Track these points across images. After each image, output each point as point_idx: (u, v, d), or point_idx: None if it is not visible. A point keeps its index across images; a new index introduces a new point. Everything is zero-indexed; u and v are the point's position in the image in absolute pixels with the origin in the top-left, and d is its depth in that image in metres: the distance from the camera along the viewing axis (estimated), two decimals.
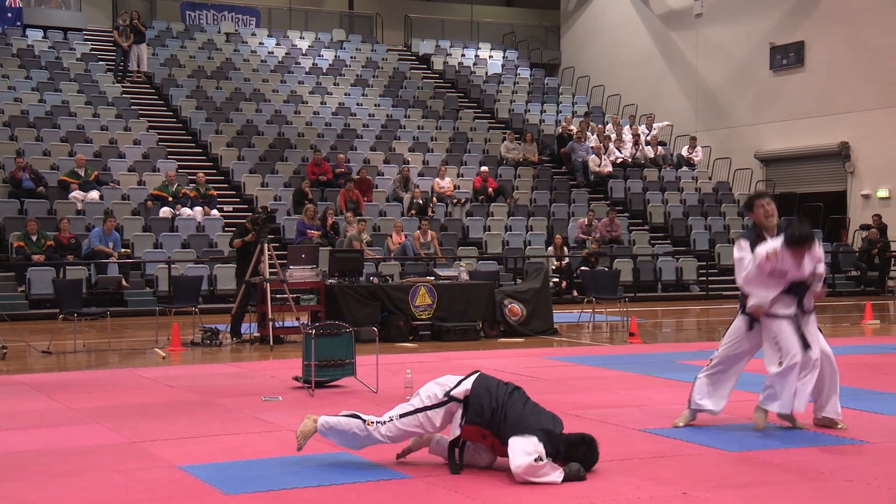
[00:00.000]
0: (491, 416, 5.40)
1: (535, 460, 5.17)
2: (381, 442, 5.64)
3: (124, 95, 24.63)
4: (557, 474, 5.23)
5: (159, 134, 23.28)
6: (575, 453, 5.36)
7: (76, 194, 19.55)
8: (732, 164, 27.33)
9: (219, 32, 29.31)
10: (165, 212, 19.71)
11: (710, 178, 26.86)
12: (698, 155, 27.15)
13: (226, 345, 12.72)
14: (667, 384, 8.90)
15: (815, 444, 6.35)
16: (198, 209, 20.06)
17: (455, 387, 5.54)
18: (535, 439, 5.24)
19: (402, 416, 5.60)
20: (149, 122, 23.73)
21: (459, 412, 5.49)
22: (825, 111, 25.77)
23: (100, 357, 11.88)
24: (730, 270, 22.64)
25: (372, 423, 5.63)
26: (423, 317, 13.25)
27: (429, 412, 5.56)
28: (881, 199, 24.96)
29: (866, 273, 22.59)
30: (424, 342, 12.92)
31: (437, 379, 5.73)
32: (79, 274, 16.52)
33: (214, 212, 20.35)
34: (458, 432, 5.48)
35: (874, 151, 24.97)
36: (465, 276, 14.31)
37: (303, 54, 29.26)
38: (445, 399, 5.53)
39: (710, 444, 6.31)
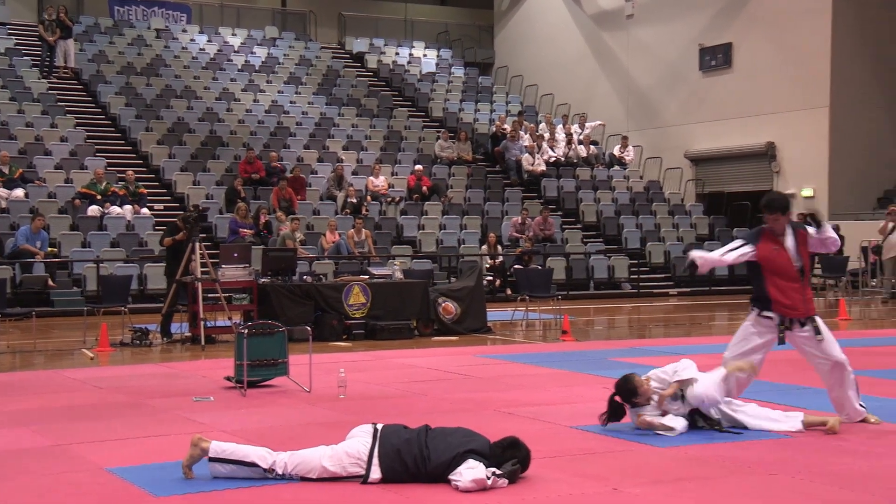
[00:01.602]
0: (415, 476, 5.27)
1: (487, 477, 5.14)
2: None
3: (50, 91, 24.13)
4: (504, 482, 5.22)
5: (87, 131, 22.85)
6: (506, 458, 5.36)
7: (0, 192, 19.10)
8: (663, 164, 27.74)
9: (148, 28, 28.86)
10: (94, 210, 19.36)
11: (641, 178, 27.23)
12: (630, 154, 27.50)
13: (156, 345, 12.55)
14: (599, 381, 8.99)
15: (741, 439, 6.47)
16: (127, 207, 19.74)
17: (367, 469, 5.28)
18: (471, 461, 5.22)
19: (302, 478, 5.33)
20: (76, 118, 23.28)
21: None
22: (752, 112, 26.29)
23: (25, 358, 11.63)
24: (660, 268, 23.03)
25: (272, 472, 5.36)
26: (357, 316, 13.21)
27: (332, 482, 5.34)
28: (806, 198, 25.53)
29: None
30: (358, 341, 12.89)
31: (346, 448, 5.39)
32: (3, 273, 16.12)
33: (145, 210, 20.05)
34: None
35: (799, 152, 25.55)
36: (399, 275, 14.31)
37: (235, 51, 28.96)
38: (354, 478, 5.31)
39: (640, 441, 6.40)
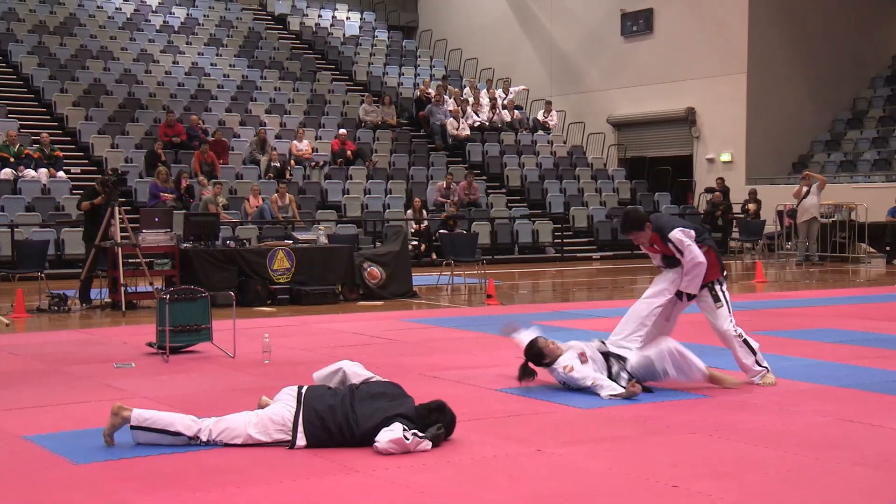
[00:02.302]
0: (340, 443, 5.25)
1: (406, 438, 5.15)
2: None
3: None
4: (426, 444, 5.24)
5: None
6: (432, 421, 5.40)
7: None
8: (586, 129, 27.99)
9: None
10: (7, 173, 18.83)
11: (564, 143, 27.45)
12: (553, 119, 27.69)
13: (74, 311, 12.32)
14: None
15: (661, 399, 6.62)
16: (42, 171, 19.23)
17: (293, 436, 5.26)
18: (398, 426, 5.24)
19: (227, 445, 5.29)
20: None
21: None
22: (673, 78, 26.65)
23: None
24: (584, 232, 23.32)
25: (197, 439, 5.30)
26: (282, 281, 13.12)
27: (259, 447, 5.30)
28: (724, 162, 26.06)
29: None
30: (283, 306, 12.81)
31: (271, 413, 5.35)
32: None
33: (61, 174, 19.56)
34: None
35: (718, 117, 26.02)
36: (323, 240, 14.24)
37: (153, 11, 28.29)
38: (280, 444, 5.29)
39: (562, 402, 6.50)
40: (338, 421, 5.26)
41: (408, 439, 5.16)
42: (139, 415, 5.36)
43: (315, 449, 5.25)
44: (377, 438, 5.17)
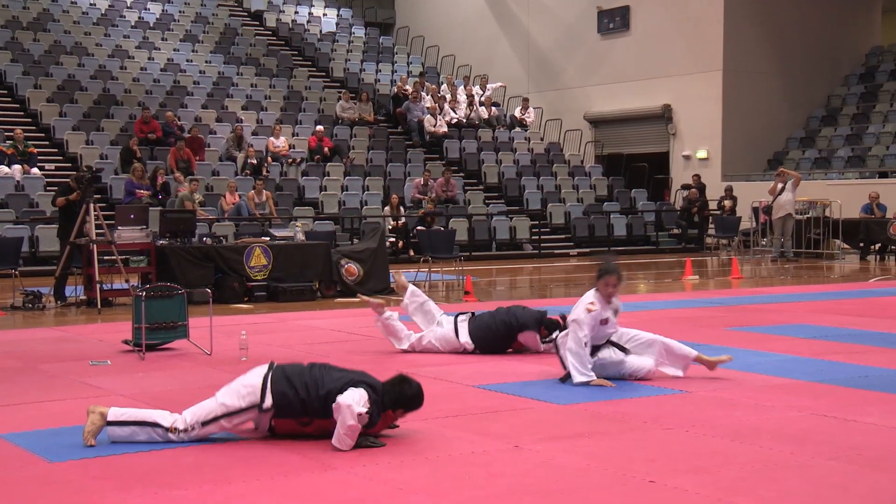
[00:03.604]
0: (304, 404, 5.27)
1: (364, 409, 5.14)
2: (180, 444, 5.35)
3: None
4: (350, 443, 5.17)
5: None
6: (396, 394, 5.37)
7: None
8: (563, 126, 28.06)
9: None
10: None
11: (542, 139, 27.50)
12: (530, 116, 27.73)
13: (49, 308, 12.23)
14: None
15: (638, 395, 6.65)
16: (16, 167, 19.08)
17: (262, 396, 5.28)
18: (361, 390, 5.23)
19: (204, 423, 5.33)
20: None
21: (269, 414, 5.34)
22: (649, 75, 26.76)
23: None
24: (561, 229, 23.38)
25: (175, 430, 5.31)
26: (259, 277, 13.08)
27: (233, 418, 5.34)
28: (700, 159, 26.20)
29: (687, 231, 23.70)
30: (260, 303, 12.77)
31: (241, 381, 5.39)
32: None
33: (35, 170, 19.41)
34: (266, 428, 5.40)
35: (694, 114, 26.15)
36: (300, 237, 14.20)
37: (128, 7, 28.11)
38: (251, 407, 5.31)
39: (541, 398, 6.52)
40: (304, 381, 5.32)
41: (366, 411, 5.13)
42: (116, 410, 5.36)
43: (283, 419, 5.28)
44: (340, 396, 5.17)
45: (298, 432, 5.38)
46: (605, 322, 6.99)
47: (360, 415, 5.12)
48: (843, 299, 12.92)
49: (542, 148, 26.71)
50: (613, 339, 7.12)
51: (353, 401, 5.14)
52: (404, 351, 8.52)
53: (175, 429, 5.32)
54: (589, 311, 6.90)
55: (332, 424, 5.23)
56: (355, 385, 5.26)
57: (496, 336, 8.32)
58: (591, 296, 7.00)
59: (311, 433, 5.37)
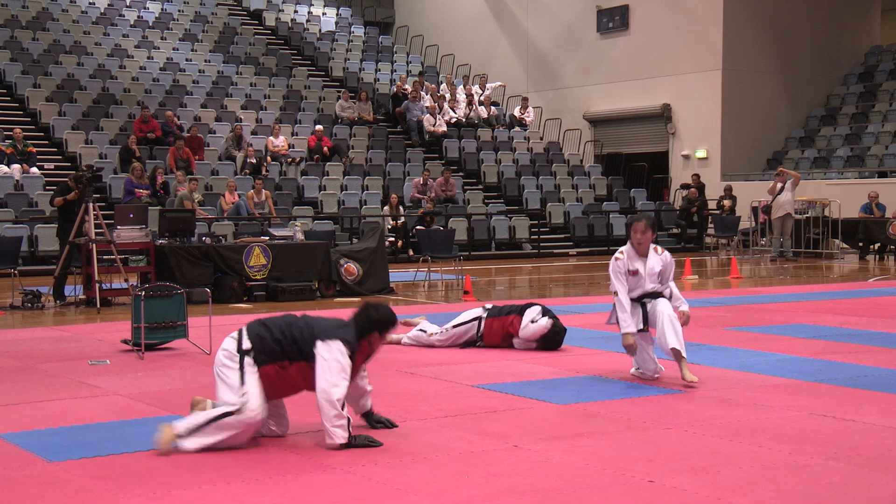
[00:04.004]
0: (281, 345, 5.26)
1: (340, 403, 5.11)
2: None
3: None
4: (342, 434, 5.14)
5: None
6: (365, 322, 5.35)
7: None
8: (562, 125, 28.06)
9: None
10: None
11: (541, 139, 27.50)
12: (530, 115, 27.73)
13: (48, 308, 12.22)
14: None
15: (638, 395, 6.66)
16: (15, 167, 19.08)
17: (240, 341, 5.31)
18: (339, 343, 5.20)
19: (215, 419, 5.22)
20: None
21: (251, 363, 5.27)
22: (648, 74, 26.76)
23: None
24: (560, 229, 23.38)
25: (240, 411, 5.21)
26: (258, 277, 13.08)
27: (243, 383, 5.24)
28: (700, 159, 26.21)
29: (686, 230, 23.70)
30: (259, 303, 12.77)
31: (220, 350, 5.37)
32: None
33: (34, 170, 19.41)
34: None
35: (693, 113, 26.16)
36: (300, 236, 14.19)
37: (127, 6, 28.10)
38: (239, 360, 5.26)
39: (539, 398, 6.52)
40: (279, 324, 5.37)
41: (342, 367, 5.15)
42: (180, 424, 5.19)
43: (264, 366, 5.20)
44: (318, 382, 5.13)
45: (279, 383, 5.28)
46: (634, 273, 6.97)
47: (338, 400, 5.12)
48: (842, 299, 12.92)
49: (541, 147, 26.71)
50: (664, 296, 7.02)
51: (330, 375, 5.11)
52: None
53: (243, 406, 5.20)
54: (616, 259, 6.98)
55: (310, 369, 5.21)
56: (331, 337, 5.23)
57: None
58: (625, 247, 7.06)
59: (293, 382, 5.30)
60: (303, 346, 5.27)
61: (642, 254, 7.03)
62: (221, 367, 5.31)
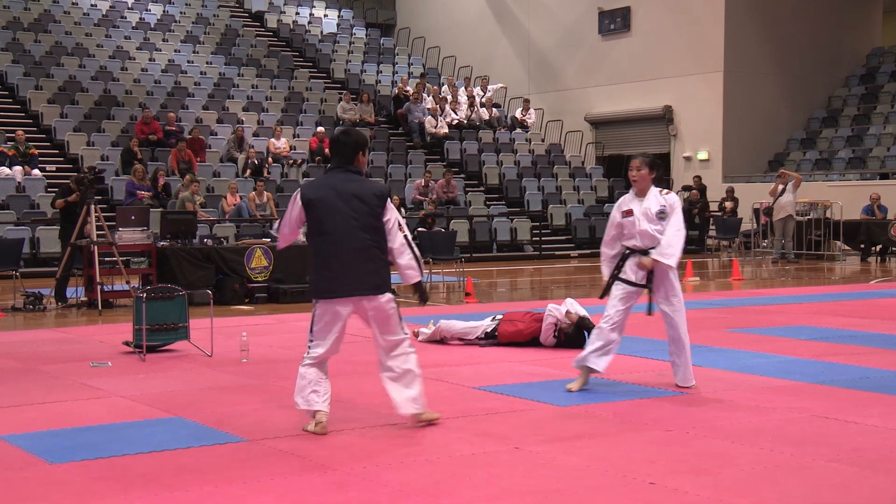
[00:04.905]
0: None
1: None
2: None
3: None
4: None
5: None
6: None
7: None
8: (564, 127, 28.05)
9: None
10: None
11: (542, 140, 27.49)
12: (531, 117, 27.72)
13: (50, 310, 12.23)
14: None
15: (638, 396, 6.65)
16: (17, 168, 19.08)
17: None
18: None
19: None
20: None
21: None
22: (650, 76, 26.76)
23: None
24: (562, 230, 23.38)
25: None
26: (260, 279, 13.08)
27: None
28: (701, 160, 26.20)
29: (687, 232, 23.63)
30: (261, 305, 12.77)
31: None
32: None
33: (36, 171, 19.41)
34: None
35: (694, 115, 26.14)
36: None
37: (129, 8, 28.12)
38: None
39: (541, 400, 6.52)
40: None
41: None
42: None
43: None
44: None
45: None
46: (628, 213, 6.72)
47: None
48: (844, 301, 12.92)
49: (542, 149, 26.71)
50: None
51: None
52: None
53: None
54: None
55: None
56: None
57: None
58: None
59: None
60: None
61: (640, 194, 6.77)
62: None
